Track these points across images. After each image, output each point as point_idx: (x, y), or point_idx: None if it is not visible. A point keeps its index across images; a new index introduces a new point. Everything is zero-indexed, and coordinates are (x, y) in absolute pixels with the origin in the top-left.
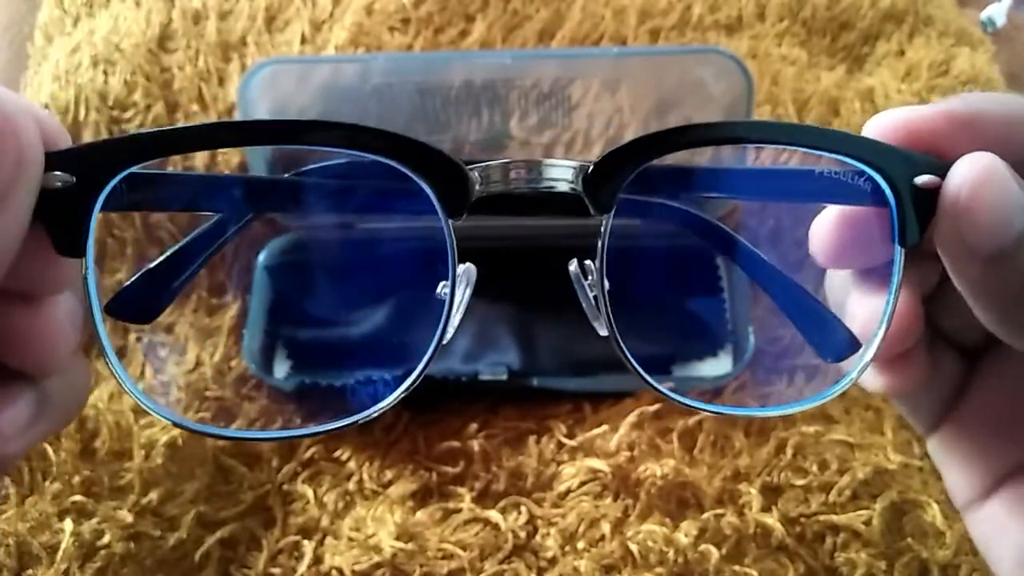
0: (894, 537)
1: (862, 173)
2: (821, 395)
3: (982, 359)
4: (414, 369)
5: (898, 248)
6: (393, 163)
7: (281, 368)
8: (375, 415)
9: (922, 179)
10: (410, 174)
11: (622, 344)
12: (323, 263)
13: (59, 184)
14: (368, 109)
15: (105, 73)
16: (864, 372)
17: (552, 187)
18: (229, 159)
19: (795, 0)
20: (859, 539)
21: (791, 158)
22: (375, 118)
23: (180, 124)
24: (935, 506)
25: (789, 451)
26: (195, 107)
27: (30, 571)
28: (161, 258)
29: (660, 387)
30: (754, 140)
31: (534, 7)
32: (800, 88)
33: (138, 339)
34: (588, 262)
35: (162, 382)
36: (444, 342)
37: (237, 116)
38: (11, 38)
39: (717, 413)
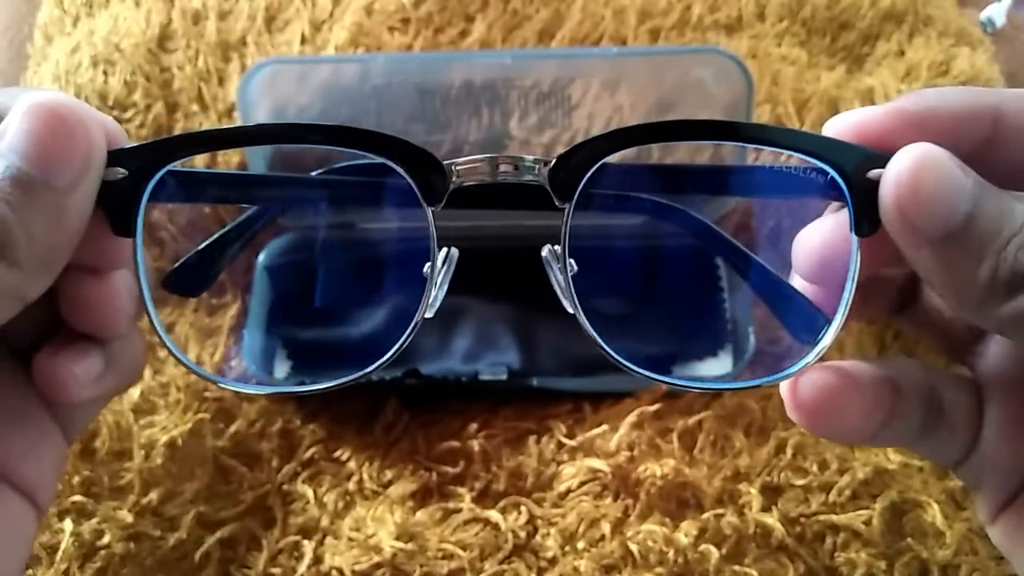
0: (894, 537)
1: (820, 169)
2: (783, 371)
3: (985, 363)
4: (416, 368)
5: (854, 237)
6: (374, 157)
7: (281, 368)
8: (363, 376)
9: (874, 172)
10: (392, 166)
11: (586, 321)
12: (323, 263)
13: (117, 177)
14: (368, 109)
15: (105, 73)
16: (824, 349)
17: (523, 179)
18: (228, 158)
19: (795, 0)
20: (859, 539)
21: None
22: (375, 118)
23: (209, 128)
24: (935, 506)
25: (789, 451)
26: (195, 107)
27: (30, 571)
28: (205, 243)
29: (619, 358)
30: (711, 137)
31: (534, 7)
32: (800, 88)
33: None
34: (557, 247)
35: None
36: (427, 316)
37: (237, 116)
38: (11, 38)
39: (666, 382)
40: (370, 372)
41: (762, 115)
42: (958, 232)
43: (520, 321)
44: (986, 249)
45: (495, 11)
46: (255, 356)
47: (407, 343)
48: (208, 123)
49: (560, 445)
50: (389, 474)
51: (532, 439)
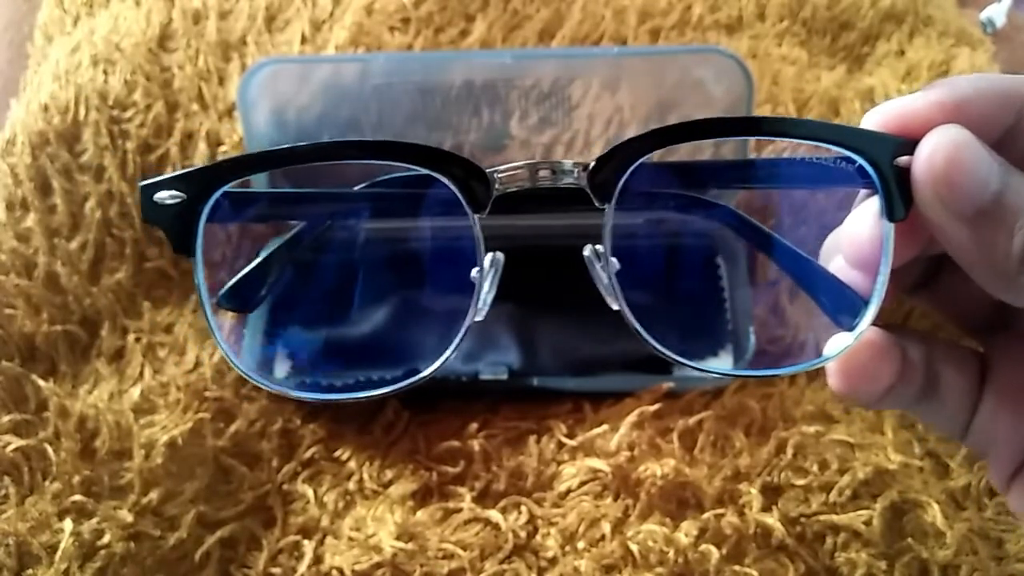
0: (894, 537)
1: (848, 158)
2: (825, 356)
3: (997, 338)
4: (417, 368)
5: (887, 223)
6: (420, 169)
7: (281, 368)
8: (414, 384)
9: (903, 159)
10: (438, 177)
11: (633, 319)
12: (325, 263)
13: (176, 200)
14: (368, 109)
15: (105, 73)
16: (862, 332)
17: (561, 183)
18: None
19: (795, 0)
20: (859, 539)
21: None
22: (375, 118)
23: (263, 150)
24: (935, 506)
25: (789, 451)
26: (195, 107)
27: (30, 571)
28: (255, 263)
29: (668, 351)
30: (746, 133)
31: (534, 7)
32: (800, 88)
33: (137, 339)
34: (599, 246)
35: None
36: (477, 319)
37: (237, 116)
38: (11, 38)
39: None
40: (427, 376)
41: (762, 115)
42: (989, 208)
43: (520, 321)
44: (1017, 224)
45: (495, 11)
46: (255, 356)
47: (459, 346)
48: (208, 123)
49: (560, 445)
50: (389, 474)
51: (532, 439)
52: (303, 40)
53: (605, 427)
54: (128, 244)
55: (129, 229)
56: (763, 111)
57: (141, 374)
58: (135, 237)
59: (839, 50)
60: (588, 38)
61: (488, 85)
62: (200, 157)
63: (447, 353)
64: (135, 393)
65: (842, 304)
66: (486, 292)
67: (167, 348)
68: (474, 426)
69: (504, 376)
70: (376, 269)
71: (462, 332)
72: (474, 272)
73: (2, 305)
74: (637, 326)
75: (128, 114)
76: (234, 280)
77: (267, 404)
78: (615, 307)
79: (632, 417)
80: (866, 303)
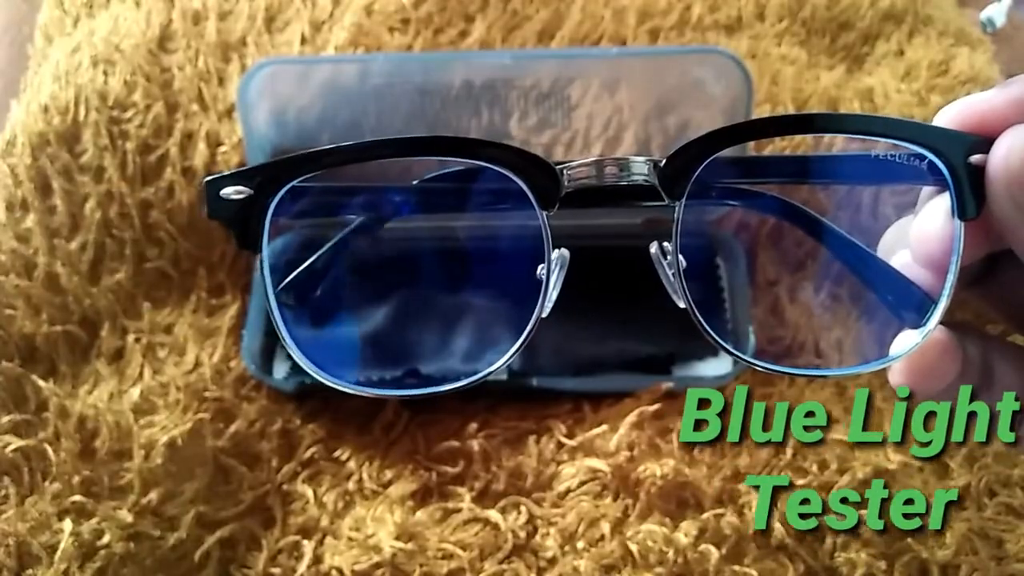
0: (894, 537)
1: (919, 155)
2: (892, 355)
3: None
4: (416, 368)
5: (958, 222)
6: (490, 165)
7: (281, 368)
8: (478, 381)
9: (976, 157)
10: (507, 174)
11: (699, 317)
12: (329, 263)
13: (242, 196)
14: (368, 109)
15: (105, 73)
16: (931, 331)
17: (628, 180)
18: (228, 158)
19: (795, 0)
20: (859, 539)
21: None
22: (375, 118)
23: (326, 147)
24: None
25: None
26: (195, 107)
27: (30, 571)
28: (314, 257)
29: (742, 355)
30: (820, 131)
31: (534, 7)
32: (799, 88)
33: (136, 340)
34: (666, 243)
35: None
36: (543, 315)
37: (237, 116)
38: (11, 38)
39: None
40: (490, 373)
41: (762, 115)
42: None
43: (520, 320)
44: None
45: (495, 11)
46: (254, 356)
47: (527, 342)
48: (208, 124)
49: (560, 445)
50: (389, 474)
51: (532, 439)
52: (303, 41)
53: (605, 427)
54: (128, 244)
55: (129, 229)
56: (762, 111)
57: (141, 374)
58: (135, 237)
59: (838, 50)
60: (587, 38)
61: (487, 85)
62: (200, 158)
63: (513, 350)
64: (135, 393)
65: (908, 301)
66: (552, 289)
67: (167, 348)
68: (474, 426)
69: (504, 376)
70: (371, 268)
71: (529, 328)
72: (540, 269)
73: (2, 306)
74: (705, 325)
75: (128, 115)
76: (292, 276)
77: (267, 404)
78: (681, 304)
79: (632, 417)
80: (933, 301)
